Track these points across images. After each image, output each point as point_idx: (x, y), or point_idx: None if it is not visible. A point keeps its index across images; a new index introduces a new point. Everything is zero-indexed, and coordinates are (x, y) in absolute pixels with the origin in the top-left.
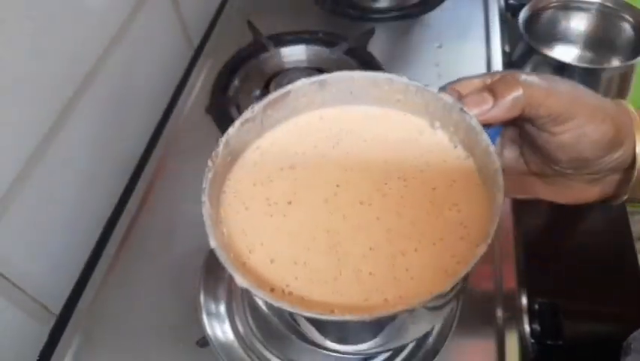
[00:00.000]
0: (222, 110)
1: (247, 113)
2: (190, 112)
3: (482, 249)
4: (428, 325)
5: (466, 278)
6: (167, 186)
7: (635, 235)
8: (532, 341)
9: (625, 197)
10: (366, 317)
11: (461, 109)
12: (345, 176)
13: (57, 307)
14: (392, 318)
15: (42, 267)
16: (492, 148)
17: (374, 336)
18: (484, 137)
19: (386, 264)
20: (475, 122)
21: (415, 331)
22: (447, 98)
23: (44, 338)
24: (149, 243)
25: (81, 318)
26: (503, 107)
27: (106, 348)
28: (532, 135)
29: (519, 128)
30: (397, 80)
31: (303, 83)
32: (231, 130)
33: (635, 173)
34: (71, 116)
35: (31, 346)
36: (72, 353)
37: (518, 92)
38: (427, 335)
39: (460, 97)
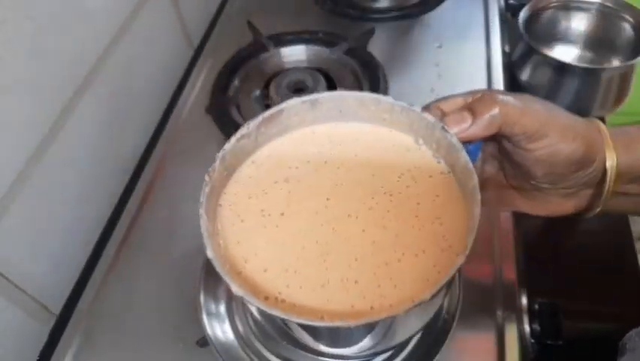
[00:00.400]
0: (222, 110)
1: (243, 130)
2: (190, 112)
3: (461, 259)
4: (414, 328)
5: (449, 284)
6: (167, 186)
7: (634, 235)
8: (532, 341)
9: (598, 210)
10: (351, 323)
11: (442, 127)
12: (335, 190)
13: (57, 307)
14: (376, 324)
15: (42, 267)
16: (470, 165)
17: (363, 338)
18: (464, 154)
19: (370, 273)
20: (455, 140)
21: (402, 333)
22: (429, 117)
23: (44, 338)
24: (149, 243)
25: (81, 318)
26: (481, 126)
27: (106, 348)
28: (509, 151)
29: (498, 144)
30: (384, 100)
31: (295, 102)
32: (227, 146)
33: (606, 187)
34: (71, 117)
35: (31, 346)
36: (72, 353)
37: (495, 111)
38: (425, 336)
39: (443, 115)
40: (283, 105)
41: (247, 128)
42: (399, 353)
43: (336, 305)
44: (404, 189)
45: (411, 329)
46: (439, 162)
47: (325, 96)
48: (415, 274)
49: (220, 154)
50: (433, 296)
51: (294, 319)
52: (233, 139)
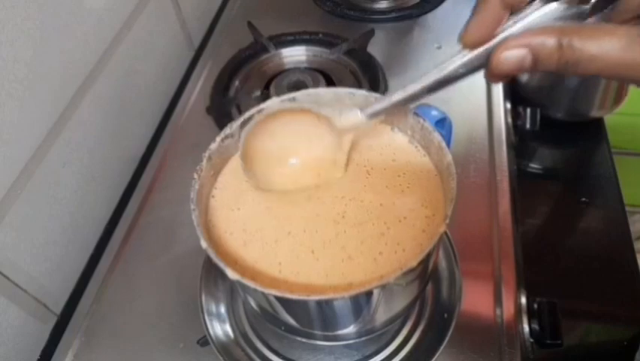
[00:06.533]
0: (223, 111)
1: (226, 130)
2: (191, 113)
3: (442, 228)
4: (402, 303)
5: (429, 257)
6: (167, 187)
7: (633, 235)
8: (532, 340)
9: None
10: (345, 294)
11: (415, 113)
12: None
13: (58, 307)
14: (369, 295)
15: (43, 267)
16: (443, 144)
17: (354, 319)
18: (436, 135)
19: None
20: (427, 124)
21: (390, 310)
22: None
23: (45, 338)
24: (150, 243)
25: (82, 318)
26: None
27: (107, 347)
28: None
29: None
30: (358, 92)
31: (274, 101)
32: (213, 146)
33: None
34: (72, 117)
35: (32, 345)
36: (73, 352)
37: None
38: (425, 335)
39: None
40: (263, 105)
41: (230, 129)
42: (399, 351)
43: (332, 280)
44: (381, 171)
45: (398, 305)
46: (416, 147)
47: (302, 94)
48: (409, 239)
49: (206, 154)
50: (420, 263)
51: (289, 296)
52: (217, 139)
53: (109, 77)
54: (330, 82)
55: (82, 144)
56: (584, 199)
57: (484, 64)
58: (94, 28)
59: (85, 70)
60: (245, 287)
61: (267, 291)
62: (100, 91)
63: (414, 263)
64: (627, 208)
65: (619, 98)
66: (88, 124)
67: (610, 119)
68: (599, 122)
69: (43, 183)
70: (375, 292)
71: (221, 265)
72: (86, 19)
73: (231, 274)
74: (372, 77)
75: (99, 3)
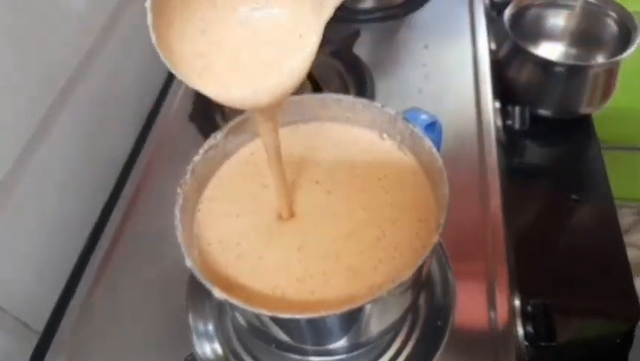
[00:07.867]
0: (206, 117)
1: (210, 141)
2: (174, 119)
3: (435, 238)
4: (395, 314)
5: (421, 270)
6: (152, 196)
7: (623, 228)
8: (526, 343)
9: None
10: (336, 311)
11: (404, 119)
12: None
13: (39, 325)
14: (360, 309)
15: (23, 282)
16: (434, 150)
17: (347, 332)
18: (427, 140)
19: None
20: (417, 130)
21: (381, 322)
22: (391, 110)
23: (27, 358)
24: (135, 254)
25: (65, 336)
26: None
27: None
28: None
29: None
30: (345, 99)
31: None
32: (196, 158)
33: None
34: (54, 123)
35: None
36: None
37: None
38: (420, 341)
39: None
40: (248, 114)
41: (215, 140)
42: (395, 358)
43: (322, 295)
44: (375, 181)
45: (390, 317)
46: (404, 153)
47: (287, 101)
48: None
49: (190, 167)
50: (414, 274)
51: (280, 315)
52: (201, 151)
53: (90, 83)
54: (315, 83)
55: (62, 152)
56: (574, 197)
57: None
58: (77, 29)
59: (65, 75)
60: (233, 306)
61: (256, 311)
62: (81, 96)
63: (408, 274)
64: (616, 202)
65: (607, 94)
66: (69, 130)
67: (598, 113)
68: (587, 119)
69: (23, 192)
70: (368, 305)
71: (208, 285)
72: (68, 21)
73: (218, 293)
74: (358, 79)
75: (81, 4)
